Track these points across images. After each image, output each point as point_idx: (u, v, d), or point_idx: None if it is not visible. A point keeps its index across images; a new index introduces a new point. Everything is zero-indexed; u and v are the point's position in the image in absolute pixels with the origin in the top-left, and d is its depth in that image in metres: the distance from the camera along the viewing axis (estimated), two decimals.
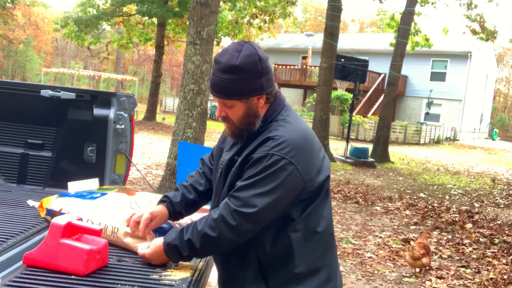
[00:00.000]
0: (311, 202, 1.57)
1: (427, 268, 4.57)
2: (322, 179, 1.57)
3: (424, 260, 4.35)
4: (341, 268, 4.50)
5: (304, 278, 1.56)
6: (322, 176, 1.57)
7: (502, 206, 8.68)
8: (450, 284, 4.34)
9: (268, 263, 1.56)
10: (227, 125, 1.60)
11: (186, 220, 1.85)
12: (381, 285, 4.22)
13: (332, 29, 12.90)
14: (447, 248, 5.51)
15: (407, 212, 7.40)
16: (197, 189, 1.82)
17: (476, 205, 8.58)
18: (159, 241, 1.63)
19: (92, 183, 2.32)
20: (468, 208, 8.09)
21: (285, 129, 1.54)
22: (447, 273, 4.61)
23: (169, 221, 1.84)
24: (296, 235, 1.54)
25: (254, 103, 1.55)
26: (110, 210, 1.88)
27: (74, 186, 2.25)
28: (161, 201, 1.78)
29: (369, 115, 25.33)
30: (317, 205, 1.58)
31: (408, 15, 14.05)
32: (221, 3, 16.27)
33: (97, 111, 2.85)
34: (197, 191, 1.81)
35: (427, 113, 28.91)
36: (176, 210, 1.76)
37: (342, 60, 13.16)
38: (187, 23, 8.88)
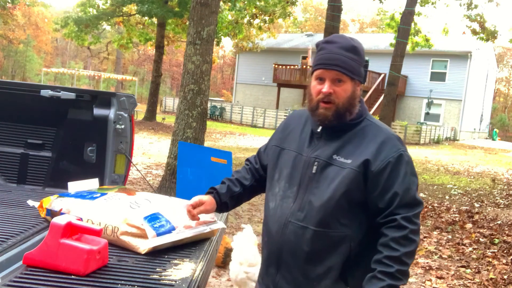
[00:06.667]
0: None
1: None
2: None
3: None
4: None
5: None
6: None
7: (502, 206, 8.67)
8: (450, 284, 4.34)
9: (357, 254, 1.60)
10: (327, 105, 1.60)
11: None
12: None
13: (332, 29, 12.86)
14: (447, 248, 5.51)
15: None
16: (243, 183, 1.87)
17: (476, 205, 8.57)
18: None
19: (92, 183, 2.32)
20: (468, 208, 8.09)
21: (386, 127, 1.66)
22: (447, 273, 4.61)
23: (170, 221, 1.84)
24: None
25: (355, 88, 1.63)
26: (110, 210, 1.88)
27: (74, 186, 2.24)
28: (208, 192, 1.85)
29: None
30: None
31: (408, 15, 14.04)
32: (221, 3, 16.27)
33: (97, 111, 2.85)
34: (243, 185, 1.87)
35: (427, 113, 28.90)
36: (222, 200, 1.83)
37: None
38: (187, 23, 8.87)
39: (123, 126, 2.87)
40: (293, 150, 1.71)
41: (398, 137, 1.63)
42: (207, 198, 1.81)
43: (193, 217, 1.80)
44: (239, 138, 18.95)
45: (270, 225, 1.70)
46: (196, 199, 1.79)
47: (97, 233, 1.58)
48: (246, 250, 3.32)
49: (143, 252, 1.73)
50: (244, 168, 1.94)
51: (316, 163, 1.62)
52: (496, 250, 5.48)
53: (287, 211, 1.64)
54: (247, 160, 1.97)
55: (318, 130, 1.67)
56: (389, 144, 1.58)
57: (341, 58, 1.58)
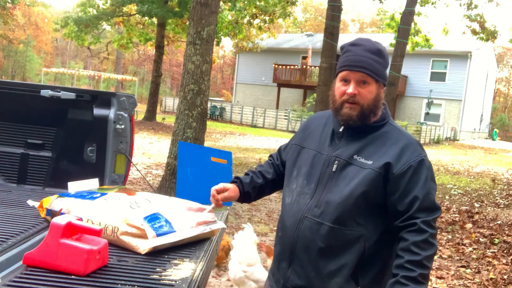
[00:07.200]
0: None
1: None
2: None
3: None
4: None
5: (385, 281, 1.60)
6: None
7: (502, 206, 8.67)
8: (450, 284, 4.34)
9: (370, 256, 1.59)
10: (352, 105, 1.62)
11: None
12: None
13: (332, 29, 12.86)
14: (447, 248, 5.51)
15: None
16: (265, 176, 1.93)
17: (476, 205, 8.57)
18: None
19: (92, 183, 2.32)
20: (468, 208, 8.09)
21: (408, 132, 1.70)
22: (447, 273, 4.61)
23: (169, 222, 1.84)
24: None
25: (380, 90, 1.66)
26: (110, 210, 1.88)
27: (74, 186, 2.24)
28: (232, 181, 1.89)
29: None
30: None
31: (408, 15, 14.03)
32: (221, 3, 16.25)
33: (97, 111, 2.85)
34: (265, 178, 1.92)
35: (427, 113, 28.90)
36: (245, 190, 1.87)
37: None
38: (187, 23, 8.87)
39: (123, 126, 2.87)
40: (313, 149, 1.74)
41: (419, 143, 1.68)
42: (231, 186, 1.85)
43: (217, 201, 1.83)
44: (239, 138, 18.95)
45: (286, 220, 1.72)
46: (220, 185, 1.83)
47: (97, 233, 1.58)
48: (246, 249, 3.33)
49: (143, 253, 1.73)
50: (267, 162, 2.00)
51: (336, 161, 1.65)
52: (496, 250, 5.49)
53: (304, 207, 1.66)
54: (270, 156, 2.03)
55: (340, 130, 1.69)
56: (411, 149, 1.62)
57: (367, 60, 1.61)
